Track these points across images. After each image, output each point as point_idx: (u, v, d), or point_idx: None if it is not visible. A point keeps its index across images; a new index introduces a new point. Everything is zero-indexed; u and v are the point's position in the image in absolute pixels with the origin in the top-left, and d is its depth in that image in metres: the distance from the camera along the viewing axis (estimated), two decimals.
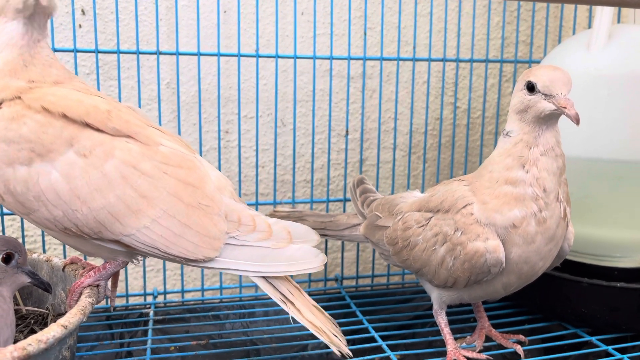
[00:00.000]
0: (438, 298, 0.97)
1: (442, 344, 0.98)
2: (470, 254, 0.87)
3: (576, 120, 0.80)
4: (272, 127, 1.37)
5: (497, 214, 0.86)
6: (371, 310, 1.17)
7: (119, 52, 1.10)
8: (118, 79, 1.13)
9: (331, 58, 1.24)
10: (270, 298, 0.80)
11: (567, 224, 0.91)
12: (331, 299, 1.25)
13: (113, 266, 0.79)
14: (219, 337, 1.05)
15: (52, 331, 0.64)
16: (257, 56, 1.17)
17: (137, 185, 0.72)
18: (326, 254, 1.31)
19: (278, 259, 0.77)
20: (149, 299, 1.19)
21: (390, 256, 1.03)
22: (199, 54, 1.14)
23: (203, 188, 0.76)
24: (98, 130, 0.72)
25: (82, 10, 1.20)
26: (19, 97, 0.71)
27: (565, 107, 0.80)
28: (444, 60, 1.32)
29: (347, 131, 1.34)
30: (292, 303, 0.79)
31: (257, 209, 1.23)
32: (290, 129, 1.38)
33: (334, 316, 1.14)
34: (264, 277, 0.78)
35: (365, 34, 1.29)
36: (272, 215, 1.18)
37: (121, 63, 1.21)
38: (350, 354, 0.80)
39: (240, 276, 1.20)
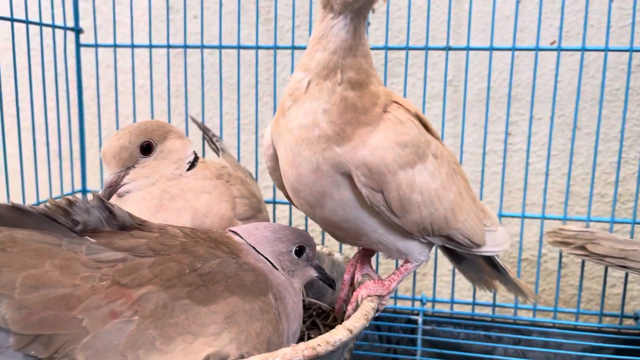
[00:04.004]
0: None
1: None
2: None
3: None
4: (564, 131, 1.20)
5: None
6: None
7: (407, 48, 1.07)
8: (405, 75, 1.10)
9: None
10: (549, 327, 0.99)
11: None
12: (628, 341, 1.03)
13: (413, 267, 0.77)
14: None
15: (339, 334, 0.62)
16: (559, 50, 1.02)
17: (456, 181, 0.75)
18: (625, 286, 1.08)
19: (498, 239, 0.84)
20: (417, 304, 1.15)
21: None
22: (491, 49, 1.05)
23: (468, 181, 0.81)
24: (430, 132, 0.74)
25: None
26: (395, 102, 0.71)
27: None
28: None
29: None
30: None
31: (542, 224, 1.09)
32: (586, 132, 1.19)
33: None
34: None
35: None
36: (555, 233, 1.02)
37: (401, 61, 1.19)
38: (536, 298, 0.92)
39: (516, 298, 1.08)
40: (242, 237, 0.71)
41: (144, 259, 0.60)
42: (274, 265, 0.70)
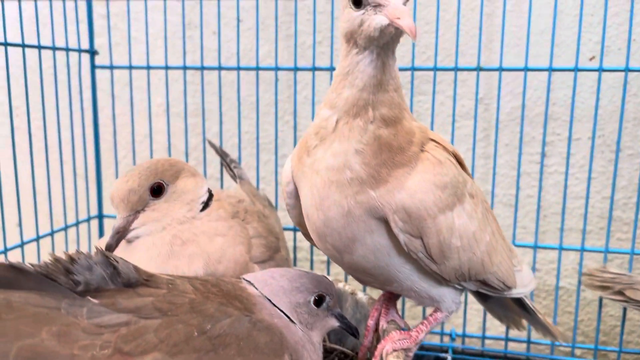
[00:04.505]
0: None
1: None
2: None
3: None
4: (603, 152, 1.12)
5: None
6: None
7: (435, 69, 1.01)
8: (433, 93, 1.03)
9: None
10: None
11: None
12: None
13: (443, 317, 0.71)
14: None
15: None
16: (600, 70, 0.95)
17: (489, 221, 0.70)
18: None
19: (525, 278, 0.78)
20: (446, 339, 1.08)
21: None
22: (526, 69, 0.97)
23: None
24: (464, 170, 0.69)
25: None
26: (432, 139, 0.66)
27: None
28: None
29: None
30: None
31: (581, 256, 1.01)
32: (628, 154, 1.11)
33: None
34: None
35: None
36: (592, 277, 0.95)
37: (429, 78, 1.12)
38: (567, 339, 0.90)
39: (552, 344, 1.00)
40: (256, 288, 0.66)
41: (150, 321, 0.55)
42: (290, 319, 0.65)
